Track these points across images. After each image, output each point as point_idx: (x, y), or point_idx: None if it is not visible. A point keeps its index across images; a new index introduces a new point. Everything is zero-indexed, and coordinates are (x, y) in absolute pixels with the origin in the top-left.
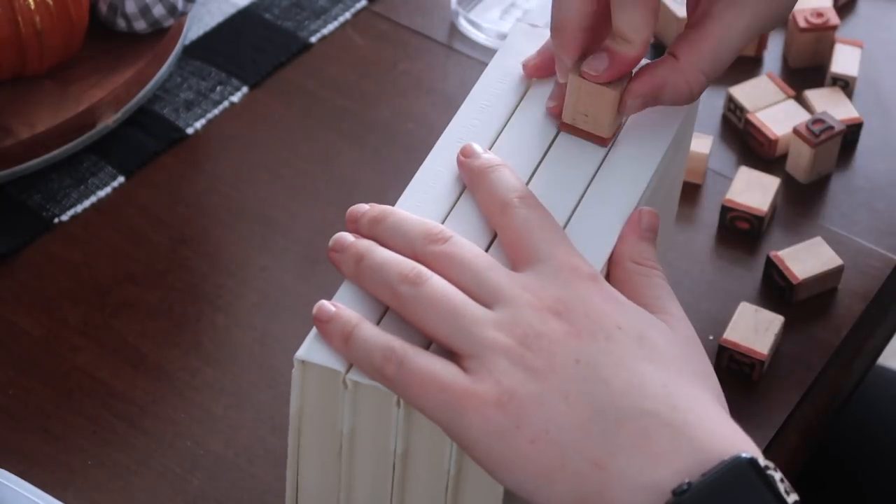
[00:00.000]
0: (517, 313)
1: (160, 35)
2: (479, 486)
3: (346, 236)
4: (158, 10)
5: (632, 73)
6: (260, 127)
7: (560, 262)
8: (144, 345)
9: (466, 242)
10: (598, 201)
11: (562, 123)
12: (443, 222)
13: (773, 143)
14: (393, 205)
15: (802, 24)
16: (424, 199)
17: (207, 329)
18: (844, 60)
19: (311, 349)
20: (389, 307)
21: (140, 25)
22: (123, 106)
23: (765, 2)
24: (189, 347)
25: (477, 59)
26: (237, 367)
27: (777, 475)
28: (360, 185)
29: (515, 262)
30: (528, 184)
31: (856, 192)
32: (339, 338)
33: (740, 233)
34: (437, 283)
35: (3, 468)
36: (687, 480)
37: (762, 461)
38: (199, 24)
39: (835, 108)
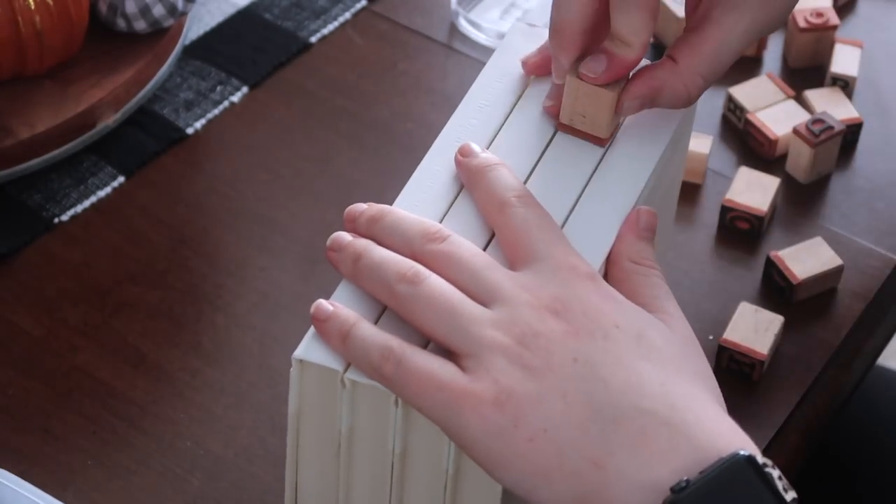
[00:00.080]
0: (515, 312)
1: (160, 35)
2: (478, 486)
3: (344, 236)
4: (158, 10)
5: (629, 74)
6: (260, 127)
7: (558, 261)
8: (144, 345)
9: (464, 241)
10: (596, 200)
11: (559, 123)
12: (441, 221)
13: (773, 143)
14: (391, 204)
15: (802, 24)
16: (422, 199)
17: (207, 329)
18: (844, 60)
19: (309, 348)
20: (387, 306)
21: (140, 25)
22: (123, 106)
23: (764, 6)
24: (189, 347)
25: (477, 59)
26: (237, 367)
27: (775, 473)
28: (359, 184)
29: (513, 261)
30: (526, 183)
31: (856, 192)
32: (336, 337)
33: (740, 233)
34: (435, 282)
35: (3, 468)
36: (685, 478)
37: (760, 459)
38: (199, 24)
39: (835, 108)
